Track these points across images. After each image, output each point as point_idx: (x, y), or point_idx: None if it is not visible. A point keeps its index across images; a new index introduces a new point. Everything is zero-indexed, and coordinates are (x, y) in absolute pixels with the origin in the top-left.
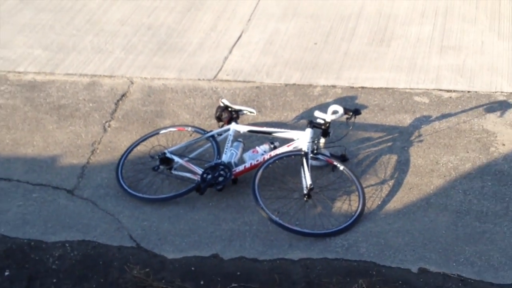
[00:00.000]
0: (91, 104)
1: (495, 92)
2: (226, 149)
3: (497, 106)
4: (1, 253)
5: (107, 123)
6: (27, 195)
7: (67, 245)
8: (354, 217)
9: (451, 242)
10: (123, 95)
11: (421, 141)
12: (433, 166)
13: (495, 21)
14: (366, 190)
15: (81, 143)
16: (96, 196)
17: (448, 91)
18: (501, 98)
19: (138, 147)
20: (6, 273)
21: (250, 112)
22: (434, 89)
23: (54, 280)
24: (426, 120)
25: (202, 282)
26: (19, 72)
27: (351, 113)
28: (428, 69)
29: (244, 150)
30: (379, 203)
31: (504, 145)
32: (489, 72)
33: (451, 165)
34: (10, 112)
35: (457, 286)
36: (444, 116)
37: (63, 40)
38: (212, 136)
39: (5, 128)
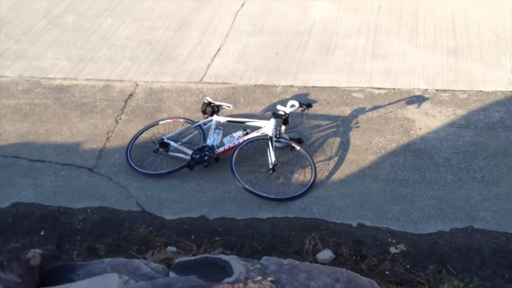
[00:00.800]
0: (106, 102)
1: (414, 89)
2: (210, 135)
3: (415, 99)
4: (38, 217)
5: (118, 117)
6: (57, 173)
7: (88, 210)
8: (308, 185)
9: (382, 203)
10: (130, 95)
11: (358, 127)
12: (367, 146)
13: (413, 35)
14: (317, 165)
15: (98, 132)
16: (110, 172)
17: (378, 88)
18: (418, 93)
19: (143, 135)
20: (42, 233)
21: (228, 107)
22: (367, 87)
23: (79, 238)
24: (361, 111)
25: (192, 237)
26: (50, 78)
27: (304, 106)
28: (363, 72)
29: (224, 135)
30: (327, 174)
31: (420, 129)
32: (408, 74)
33: (381, 144)
34: (43, 109)
35: (387, 236)
36: (375, 108)
37: (83, 53)
38: (199, 125)
39: (39, 122)
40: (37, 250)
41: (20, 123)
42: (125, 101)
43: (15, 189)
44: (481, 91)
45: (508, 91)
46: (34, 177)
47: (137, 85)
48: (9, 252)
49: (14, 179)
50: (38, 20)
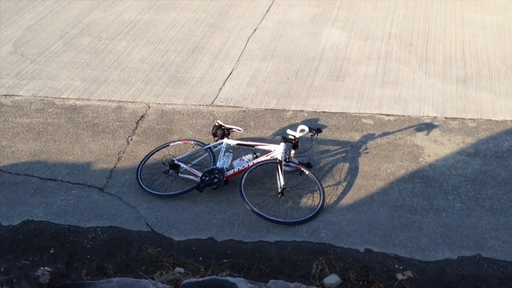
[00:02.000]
0: (117, 123)
1: (423, 116)
2: (220, 157)
3: (424, 126)
4: (48, 235)
5: (129, 137)
6: (68, 192)
7: (98, 230)
8: (316, 210)
9: (389, 229)
10: (142, 116)
11: (367, 152)
12: (376, 172)
13: (423, 63)
14: (325, 189)
15: (109, 152)
16: (121, 192)
17: (387, 115)
18: (427, 120)
19: (153, 156)
20: (52, 251)
21: (238, 130)
22: (377, 114)
23: (88, 256)
24: (371, 137)
25: (200, 258)
26: (63, 98)
27: (314, 131)
28: (373, 98)
29: (234, 158)
30: (335, 199)
31: (429, 156)
32: (418, 101)
33: (390, 171)
34: (56, 129)
35: (394, 262)
36: (384, 134)
37: (97, 74)
38: (209, 147)
39: (51, 141)
40: (47, 268)
41: (33, 141)
42: (137, 122)
43: (26, 207)
44: (490, 119)
45: None
46: (45, 195)
47: (149, 107)
48: (19, 269)
49: (26, 197)
50: (54, 41)
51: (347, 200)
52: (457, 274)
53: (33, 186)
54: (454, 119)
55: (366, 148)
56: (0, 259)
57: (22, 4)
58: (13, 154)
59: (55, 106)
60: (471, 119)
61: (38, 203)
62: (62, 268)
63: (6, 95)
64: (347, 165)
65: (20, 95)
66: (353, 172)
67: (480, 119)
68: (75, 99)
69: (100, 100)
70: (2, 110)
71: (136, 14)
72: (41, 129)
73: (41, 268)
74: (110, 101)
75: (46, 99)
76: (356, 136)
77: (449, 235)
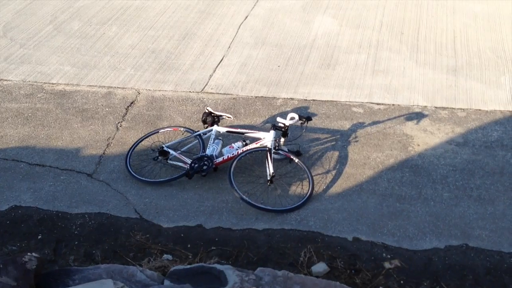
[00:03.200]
0: (107, 109)
1: (413, 105)
2: (209, 145)
3: (414, 116)
4: (36, 221)
5: (119, 124)
6: (56, 178)
7: (86, 216)
8: (305, 198)
9: (378, 218)
10: (132, 103)
11: (356, 141)
12: (365, 160)
13: (414, 52)
14: (314, 177)
15: (99, 138)
16: (109, 179)
17: (378, 104)
18: (417, 110)
19: (142, 142)
20: (39, 237)
21: (228, 117)
22: (367, 102)
23: (76, 243)
24: (361, 125)
25: (189, 246)
26: (53, 84)
27: (304, 119)
28: (363, 87)
29: (223, 146)
30: (324, 187)
31: (419, 145)
32: (408, 90)
33: (379, 160)
34: (45, 114)
35: (382, 251)
36: (374, 123)
37: (87, 60)
38: (199, 135)
39: (40, 126)
40: (34, 254)
41: (21, 127)
42: (127, 109)
43: (14, 193)
44: (480, 109)
45: (507, 110)
46: (33, 181)
47: (139, 93)
48: (6, 255)
49: (13, 182)
50: (44, 26)
51: (336, 188)
52: (444, 263)
53: (21, 171)
54: (444, 108)
55: (356, 137)
56: None
57: None
58: (1, 139)
59: (44, 91)
60: (461, 108)
61: (26, 188)
62: (49, 254)
63: None
64: (336, 153)
65: (9, 80)
66: (342, 160)
67: (470, 109)
68: (64, 84)
69: (90, 85)
70: None
71: (127, 0)
72: (29, 114)
73: (28, 254)
74: (100, 86)
75: (35, 84)
76: (346, 125)
77: (436, 224)
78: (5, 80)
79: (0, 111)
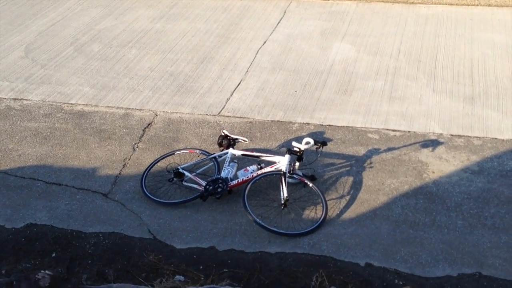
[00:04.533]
0: (124, 130)
1: (429, 132)
2: (224, 167)
3: (430, 143)
4: (50, 239)
5: (136, 145)
6: (72, 196)
7: (100, 235)
8: (319, 222)
9: (391, 244)
10: (149, 124)
11: (371, 167)
12: (380, 186)
13: (431, 80)
14: (328, 202)
15: (115, 159)
16: (124, 199)
17: (393, 130)
18: (433, 137)
19: (158, 164)
20: (53, 255)
21: (244, 141)
22: (383, 129)
23: (89, 262)
24: (376, 151)
25: (201, 267)
26: (72, 104)
27: (319, 144)
28: (380, 113)
29: (238, 168)
30: (338, 212)
31: (433, 172)
32: (424, 118)
33: (393, 186)
34: (63, 134)
35: (394, 277)
36: (389, 149)
37: (106, 81)
38: (214, 157)
39: (58, 145)
40: (47, 272)
41: (40, 146)
42: (144, 130)
43: (30, 211)
44: (496, 138)
45: None
46: (49, 199)
47: (156, 115)
48: (20, 272)
49: (30, 200)
50: (65, 48)
51: (349, 213)
52: None
53: (38, 190)
54: (459, 136)
55: (370, 163)
56: (1, 261)
57: (35, 9)
58: (20, 158)
59: (63, 111)
60: (477, 137)
61: (42, 206)
62: (63, 272)
63: (15, 98)
64: (351, 179)
65: (29, 99)
66: (356, 186)
67: (486, 137)
68: (83, 105)
69: (108, 106)
70: (11, 113)
71: (148, 23)
72: (48, 133)
73: (42, 271)
74: (118, 108)
75: (54, 104)
76: (361, 151)
77: (450, 252)
78: (25, 99)
79: (19, 130)
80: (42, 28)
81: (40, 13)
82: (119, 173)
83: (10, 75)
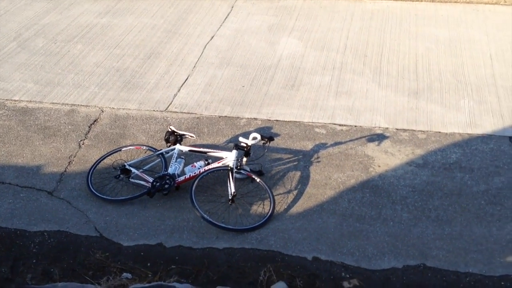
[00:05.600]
0: (70, 127)
1: (375, 127)
2: (172, 163)
3: (376, 137)
4: None
5: (81, 141)
6: (16, 195)
7: (45, 234)
8: (266, 217)
9: (338, 238)
10: (95, 120)
11: (318, 161)
12: (327, 181)
13: (377, 75)
14: (276, 197)
15: (60, 156)
16: (70, 196)
17: (340, 125)
18: (379, 131)
19: (105, 160)
20: None
21: (191, 136)
22: (330, 123)
23: (34, 261)
24: (323, 146)
25: (149, 264)
26: (15, 100)
27: (266, 139)
28: (326, 108)
29: (185, 164)
30: (286, 207)
31: (379, 166)
32: (370, 112)
33: (340, 180)
34: (6, 131)
35: (341, 271)
36: (336, 144)
37: (51, 77)
38: (161, 153)
39: (1, 143)
40: None
41: None
42: (89, 126)
43: None
44: (439, 132)
45: (466, 133)
46: None
47: (103, 111)
48: None
49: None
50: (8, 43)
51: (297, 208)
52: (402, 283)
53: None
54: (404, 130)
55: (318, 157)
56: None
57: None
58: None
59: (6, 108)
60: (421, 131)
61: None
62: (6, 272)
63: None
64: (298, 173)
65: None
66: (304, 180)
67: (430, 131)
68: (27, 101)
69: (53, 103)
70: None
71: (93, 18)
72: None
73: None
74: (63, 104)
75: None
76: (308, 145)
77: (395, 244)
78: None
79: None
80: None
81: None
82: (65, 171)
83: None
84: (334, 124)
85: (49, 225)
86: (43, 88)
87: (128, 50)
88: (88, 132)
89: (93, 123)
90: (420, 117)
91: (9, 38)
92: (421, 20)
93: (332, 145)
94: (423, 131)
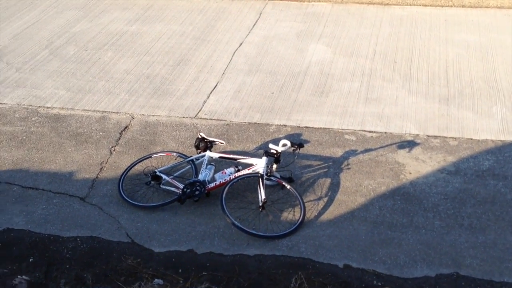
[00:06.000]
0: (101, 133)
1: (405, 133)
2: (202, 170)
3: (406, 144)
4: (27, 244)
5: (112, 148)
6: (49, 201)
7: (78, 239)
8: (297, 224)
9: (369, 245)
10: (125, 127)
11: (348, 168)
12: (357, 188)
13: (407, 81)
14: (306, 204)
15: (92, 162)
16: (102, 203)
17: (370, 131)
18: (409, 138)
19: (135, 167)
20: (31, 260)
21: (221, 143)
22: (359, 130)
23: (67, 266)
24: (353, 153)
25: (180, 270)
26: (47, 107)
27: (296, 146)
28: (356, 115)
29: (215, 171)
30: (316, 214)
31: (410, 173)
32: (400, 119)
33: (371, 187)
34: (39, 137)
35: (373, 279)
36: (366, 151)
37: (82, 84)
38: (192, 160)
39: (34, 149)
40: (24, 277)
41: (16, 150)
42: (120, 133)
43: (6, 215)
44: (471, 139)
45: (498, 140)
46: (26, 204)
47: (133, 118)
48: None
49: (6, 205)
50: (40, 50)
51: (327, 215)
52: None
53: (14, 194)
54: (436, 137)
55: (348, 164)
56: None
57: (10, 12)
58: None
59: (39, 114)
60: (453, 137)
61: (18, 211)
62: (40, 277)
63: None
64: (328, 180)
65: (4, 103)
66: (334, 187)
67: (462, 137)
68: (59, 108)
69: (84, 110)
70: None
71: (123, 25)
72: (24, 137)
73: (19, 276)
74: (94, 111)
75: (30, 107)
76: (338, 152)
77: (428, 252)
78: (0, 103)
79: None
80: (16, 31)
81: (15, 15)
82: (96, 177)
83: None
84: (364, 130)
85: (81, 230)
86: (74, 95)
87: (157, 57)
88: (119, 138)
89: (123, 130)
90: (452, 124)
91: (41, 46)
92: (451, 25)
93: (362, 152)
94: (455, 138)
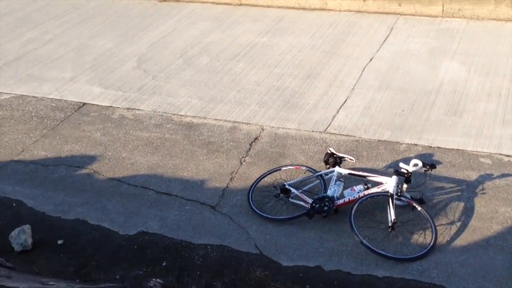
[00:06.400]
0: (232, 143)
1: None
2: (331, 186)
3: None
4: (161, 248)
5: (243, 158)
6: (181, 207)
7: (208, 247)
8: (428, 248)
9: (506, 277)
10: (255, 138)
11: (484, 193)
12: (493, 214)
13: None
14: (438, 228)
15: (223, 172)
16: (232, 212)
17: (507, 155)
18: None
19: (265, 179)
20: (164, 264)
21: (350, 159)
22: (496, 153)
23: (198, 273)
24: (488, 177)
25: (307, 286)
26: (181, 115)
27: (428, 167)
28: (492, 137)
29: (344, 188)
30: (448, 239)
31: None
32: None
33: (508, 214)
34: (173, 144)
35: None
36: (503, 175)
37: (214, 94)
38: (321, 175)
39: (168, 156)
40: (158, 280)
41: (151, 155)
42: (250, 144)
43: (142, 218)
44: None
45: None
46: (160, 208)
47: (263, 129)
48: (132, 279)
49: (142, 208)
50: (175, 59)
51: (460, 241)
52: None
53: (149, 198)
54: None
55: (483, 189)
56: (116, 266)
57: (147, 22)
58: (132, 166)
59: (173, 122)
60: None
61: (153, 215)
62: (173, 282)
63: (128, 108)
64: (461, 204)
65: (141, 109)
66: (468, 212)
67: None
68: (192, 116)
69: (216, 119)
70: (124, 122)
71: (254, 37)
72: (159, 144)
73: (153, 279)
74: (225, 121)
75: (165, 114)
76: (472, 175)
77: None
78: (137, 109)
79: (132, 139)
80: (153, 40)
81: (152, 25)
82: (227, 186)
83: (124, 85)
84: (501, 154)
85: (212, 239)
86: (206, 104)
87: (287, 70)
88: (249, 149)
89: (253, 141)
90: None
91: (176, 55)
92: None
93: (498, 177)
94: None
